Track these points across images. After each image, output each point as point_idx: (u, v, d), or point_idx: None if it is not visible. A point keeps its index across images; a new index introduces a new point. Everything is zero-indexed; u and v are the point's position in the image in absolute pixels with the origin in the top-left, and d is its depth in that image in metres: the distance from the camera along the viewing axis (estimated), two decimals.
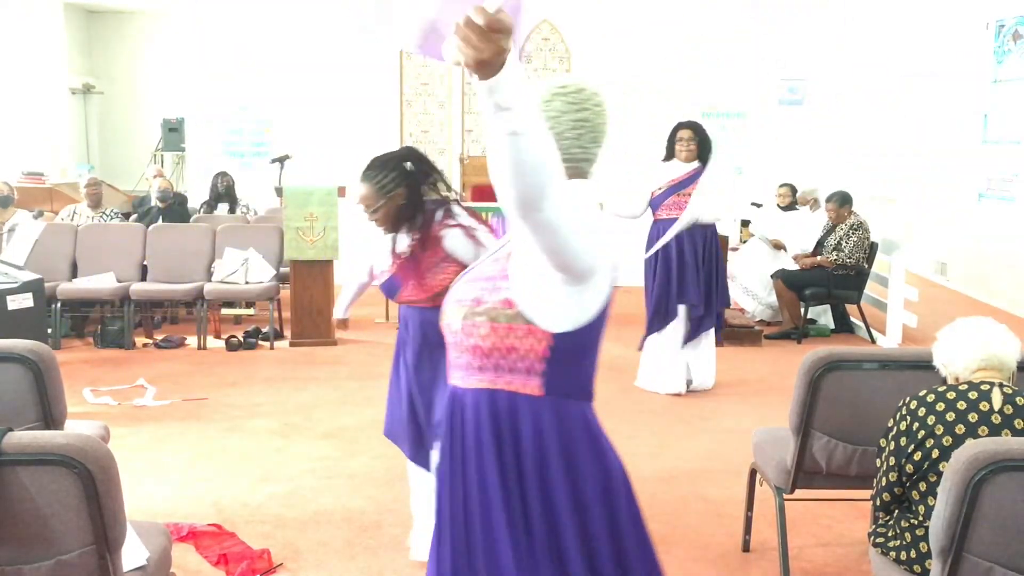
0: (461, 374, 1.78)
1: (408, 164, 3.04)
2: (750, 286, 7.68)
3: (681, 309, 5.52)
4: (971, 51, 9.03)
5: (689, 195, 5.47)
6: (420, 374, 3.14)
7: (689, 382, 5.63)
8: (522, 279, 1.68)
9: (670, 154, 5.59)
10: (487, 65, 1.35)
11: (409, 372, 3.17)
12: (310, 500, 3.92)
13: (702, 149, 5.52)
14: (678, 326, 5.54)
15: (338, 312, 3.68)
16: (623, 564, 1.73)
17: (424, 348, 3.13)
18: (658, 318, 5.54)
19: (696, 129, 5.56)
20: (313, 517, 3.75)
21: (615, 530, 1.73)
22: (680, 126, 5.60)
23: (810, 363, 3.01)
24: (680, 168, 5.53)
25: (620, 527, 1.73)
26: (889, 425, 2.56)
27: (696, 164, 5.52)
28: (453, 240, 3.03)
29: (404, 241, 3.09)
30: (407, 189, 3.02)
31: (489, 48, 1.33)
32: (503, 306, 1.69)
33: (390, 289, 3.19)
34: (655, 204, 5.59)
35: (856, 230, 7.04)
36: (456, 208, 3.10)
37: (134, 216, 8.11)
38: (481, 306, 1.70)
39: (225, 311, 7.49)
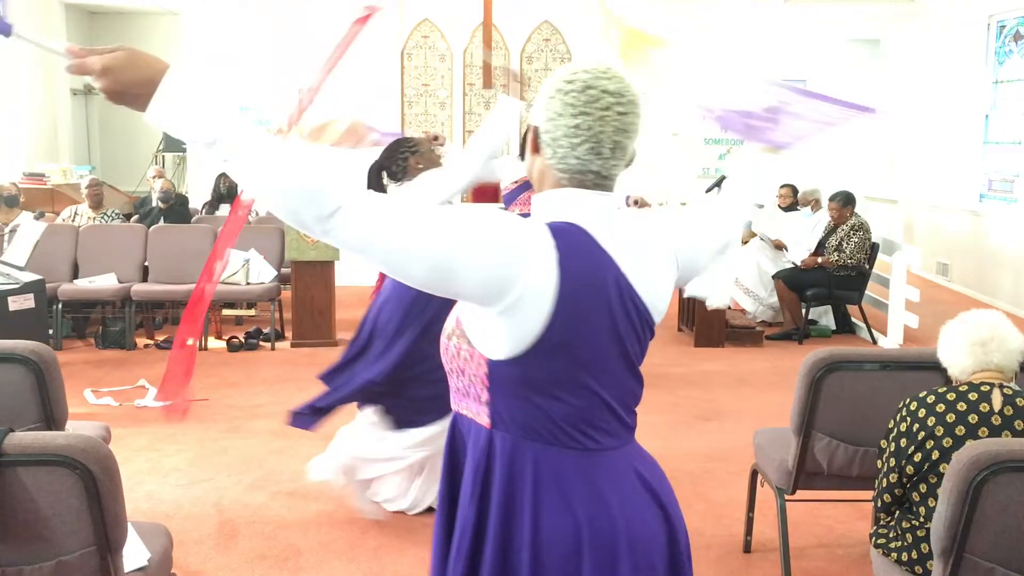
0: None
1: None
2: (751, 286, 7.67)
3: None
4: (972, 51, 9.02)
5: None
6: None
7: None
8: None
9: None
10: (119, 98, 1.31)
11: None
12: (311, 501, 3.91)
13: None
14: None
15: None
16: None
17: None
18: None
19: None
20: (315, 518, 3.76)
21: None
22: None
23: (811, 364, 3.01)
24: None
25: None
26: (889, 426, 2.56)
27: None
28: None
29: None
30: None
31: (103, 82, 1.30)
32: (456, 325, 1.53)
33: None
34: None
35: (857, 231, 7.03)
36: None
37: (135, 217, 8.11)
38: (448, 327, 1.56)
39: (226, 312, 7.49)
